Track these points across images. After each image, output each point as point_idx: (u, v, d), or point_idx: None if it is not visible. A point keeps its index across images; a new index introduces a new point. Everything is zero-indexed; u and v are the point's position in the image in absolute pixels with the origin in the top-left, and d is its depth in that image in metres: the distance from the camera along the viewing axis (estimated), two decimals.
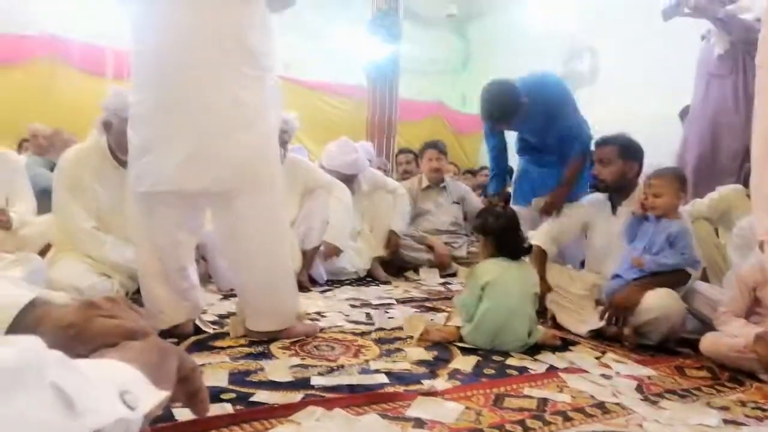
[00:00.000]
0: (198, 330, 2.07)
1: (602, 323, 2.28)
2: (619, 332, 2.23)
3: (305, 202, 3.33)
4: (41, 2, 5.78)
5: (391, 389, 1.60)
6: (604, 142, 2.60)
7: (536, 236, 2.65)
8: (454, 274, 3.79)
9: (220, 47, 1.80)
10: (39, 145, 4.29)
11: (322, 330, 2.19)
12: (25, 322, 0.64)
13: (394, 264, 3.81)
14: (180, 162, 1.80)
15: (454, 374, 1.77)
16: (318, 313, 2.51)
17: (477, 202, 4.23)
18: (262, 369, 1.70)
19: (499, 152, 3.19)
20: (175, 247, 1.98)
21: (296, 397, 1.50)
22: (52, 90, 5.47)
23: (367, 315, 2.53)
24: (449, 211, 4.13)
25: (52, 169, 3.06)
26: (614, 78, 6.83)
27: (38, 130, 4.33)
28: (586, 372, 1.85)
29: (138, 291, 2.13)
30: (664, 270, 2.22)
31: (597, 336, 2.30)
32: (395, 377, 1.70)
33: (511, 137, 3.25)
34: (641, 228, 2.35)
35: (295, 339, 2.02)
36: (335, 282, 3.36)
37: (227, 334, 2.05)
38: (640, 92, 6.32)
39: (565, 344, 2.18)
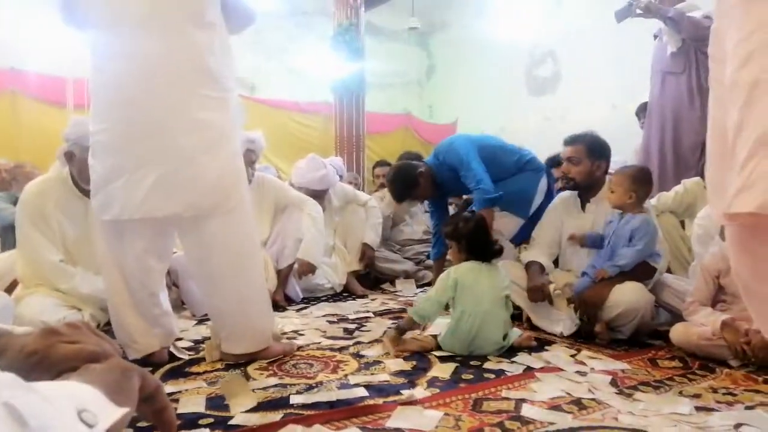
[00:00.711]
0: (173, 357, 2.04)
1: (575, 325, 2.32)
2: (591, 329, 2.27)
3: (277, 221, 3.33)
4: None
5: (370, 402, 1.60)
6: (572, 141, 2.65)
7: (529, 254, 2.65)
8: (429, 284, 3.81)
9: (180, 72, 1.80)
10: (1, 180, 4.20)
11: (299, 348, 2.18)
12: None
13: (370, 277, 3.83)
14: (147, 189, 1.79)
15: (432, 382, 1.78)
16: (295, 332, 2.49)
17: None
18: None
19: (438, 218, 3.29)
20: (145, 274, 1.96)
21: (275, 417, 1.49)
22: (13, 123, 5.37)
23: (345, 330, 2.53)
24: (423, 220, 4.18)
25: (15, 204, 2.99)
26: (575, 82, 6.99)
27: None
28: (562, 370, 1.88)
29: (109, 323, 2.10)
30: (626, 269, 2.28)
31: (572, 334, 2.34)
32: (375, 389, 1.70)
33: None
34: (609, 225, 2.41)
35: (273, 359, 2.01)
36: (311, 299, 3.35)
37: (203, 359, 2.02)
38: (600, 93, 6.49)
39: (541, 344, 2.21)
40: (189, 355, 2.09)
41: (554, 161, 3.35)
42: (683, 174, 3.40)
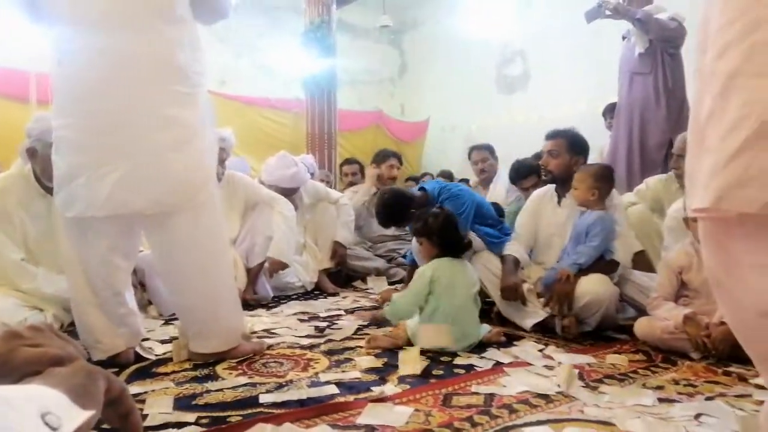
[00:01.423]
0: (139, 357, 2.00)
1: (545, 314, 2.37)
2: (562, 322, 2.31)
3: (247, 219, 3.29)
4: None
5: (341, 399, 1.60)
6: (554, 135, 2.71)
7: (508, 248, 2.67)
8: (401, 281, 3.82)
9: (149, 67, 1.77)
10: None
11: (269, 347, 2.16)
12: None
13: (342, 275, 3.82)
14: (112, 185, 1.75)
15: (403, 378, 1.79)
16: (266, 330, 2.47)
17: None
18: (208, 392, 1.67)
19: None
20: (110, 273, 1.92)
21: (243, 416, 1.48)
22: None
23: (316, 328, 2.52)
24: None
25: None
26: (544, 81, 7.08)
27: None
28: (531, 365, 1.91)
29: (73, 323, 2.05)
30: (586, 266, 2.35)
31: (540, 329, 2.38)
32: (345, 387, 1.70)
33: None
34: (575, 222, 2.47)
35: (242, 358, 1.99)
36: (282, 297, 3.33)
37: (170, 359, 1.99)
38: (569, 93, 6.59)
39: (510, 340, 2.24)
40: (156, 355, 2.06)
41: (519, 172, 3.42)
42: (650, 172, 3.48)
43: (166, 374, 1.85)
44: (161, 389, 1.69)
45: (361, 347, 2.15)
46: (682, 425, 1.39)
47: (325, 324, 2.60)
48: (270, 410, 1.52)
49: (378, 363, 1.95)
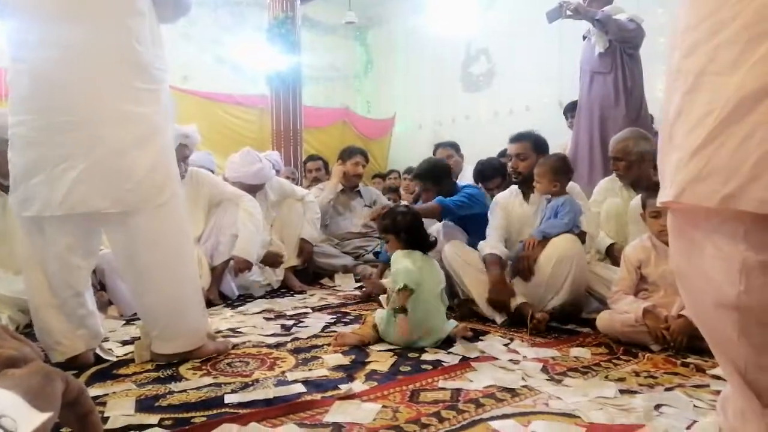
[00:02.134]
0: (99, 359, 1.95)
1: (518, 302, 2.42)
2: (533, 316, 2.34)
3: (212, 217, 3.24)
4: None
5: (308, 397, 1.59)
6: (519, 138, 2.83)
7: (486, 246, 2.68)
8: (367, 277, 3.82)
9: (108, 62, 1.73)
10: None
11: (235, 346, 2.13)
12: None
13: (309, 272, 3.80)
14: (70, 183, 1.71)
15: (371, 375, 1.79)
16: (231, 330, 2.44)
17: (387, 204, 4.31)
18: (171, 393, 1.64)
19: None
20: (70, 273, 1.86)
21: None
22: None
23: (283, 326, 2.50)
24: (362, 214, 4.19)
25: None
26: (508, 80, 7.18)
27: None
28: (496, 359, 1.93)
29: (30, 324, 1.99)
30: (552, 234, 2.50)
31: (508, 324, 2.41)
32: (313, 385, 1.69)
33: None
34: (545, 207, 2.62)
35: (207, 358, 1.96)
36: (248, 296, 3.29)
37: (132, 360, 1.95)
38: (533, 91, 6.70)
39: (476, 335, 2.26)
40: (117, 356, 2.01)
41: (484, 174, 3.47)
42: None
43: (128, 376, 1.81)
44: (123, 391, 1.65)
45: (328, 345, 2.14)
46: (643, 415, 1.43)
47: (291, 322, 2.58)
48: (235, 410, 1.50)
49: (346, 360, 1.94)
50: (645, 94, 3.93)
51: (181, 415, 1.47)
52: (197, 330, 1.97)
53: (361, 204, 4.25)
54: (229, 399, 1.58)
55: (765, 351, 0.95)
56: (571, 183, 2.68)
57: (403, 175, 6.07)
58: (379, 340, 2.14)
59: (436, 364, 1.91)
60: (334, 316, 2.70)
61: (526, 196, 2.78)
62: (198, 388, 1.67)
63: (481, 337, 2.24)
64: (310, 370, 1.85)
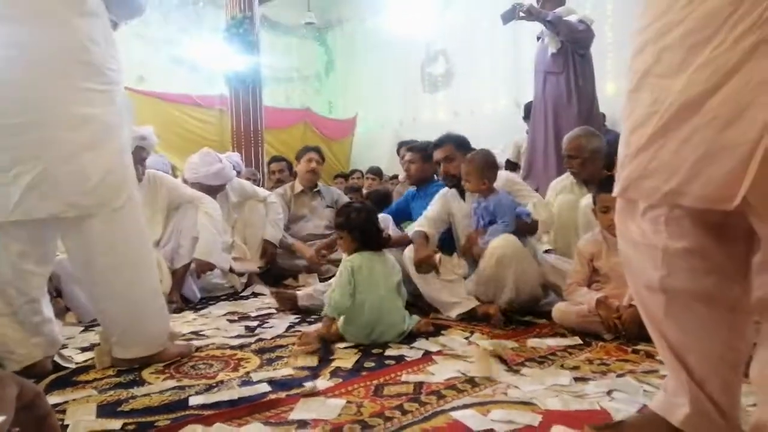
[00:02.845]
0: (59, 366, 1.91)
1: (471, 305, 2.47)
2: (486, 312, 2.40)
3: (171, 220, 3.20)
4: None
5: (273, 396, 1.60)
6: (441, 143, 2.93)
7: (416, 224, 2.79)
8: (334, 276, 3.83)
9: (60, 63, 1.70)
10: None
11: (198, 349, 2.12)
12: None
13: (272, 273, 3.78)
14: (23, 188, 1.67)
15: (335, 372, 1.81)
16: (194, 333, 2.42)
17: None
18: (133, 397, 1.63)
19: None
20: (23, 280, 1.82)
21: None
22: None
23: (247, 328, 2.49)
24: (324, 215, 4.17)
25: None
26: (466, 80, 7.29)
27: None
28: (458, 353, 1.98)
29: None
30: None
31: (467, 318, 2.47)
32: (278, 384, 1.70)
33: None
34: (476, 208, 2.67)
35: (169, 361, 1.95)
36: (211, 299, 3.26)
37: (92, 367, 1.92)
38: (490, 90, 6.82)
39: (438, 329, 2.31)
40: (76, 363, 1.97)
41: None
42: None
43: (88, 382, 1.78)
44: (83, 398, 1.63)
45: (293, 344, 2.15)
46: (596, 401, 1.49)
47: (256, 323, 2.58)
48: (200, 412, 1.50)
49: (310, 360, 1.96)
50: (597, 93, 4.07)
51: (144, 419, 1.46)
52: (158, 334, 1.96)
53: (322, 205, 4.20)
54: (193, 401, 1.58)
55: (688, 330, 1.04)
56: (499, 173, 2.73)
57: (366, 174, 6.10)
58: (342, 338, 2.16)
59: (400, 359, 1.94)
60: (299, 316, 2.70)
61: (462, 195, 2.86)
62: (161, 392, 1.66)
63: (442, 332, 2.29)
64: (274, 369, 1.86)
